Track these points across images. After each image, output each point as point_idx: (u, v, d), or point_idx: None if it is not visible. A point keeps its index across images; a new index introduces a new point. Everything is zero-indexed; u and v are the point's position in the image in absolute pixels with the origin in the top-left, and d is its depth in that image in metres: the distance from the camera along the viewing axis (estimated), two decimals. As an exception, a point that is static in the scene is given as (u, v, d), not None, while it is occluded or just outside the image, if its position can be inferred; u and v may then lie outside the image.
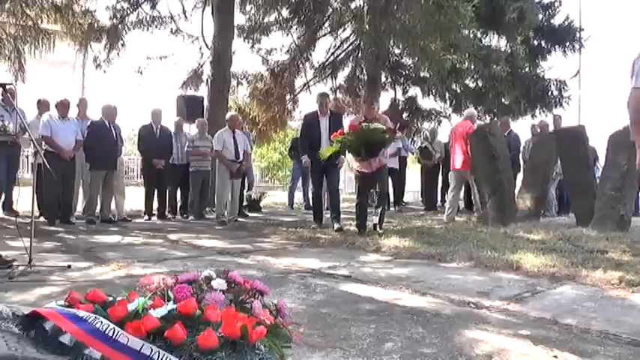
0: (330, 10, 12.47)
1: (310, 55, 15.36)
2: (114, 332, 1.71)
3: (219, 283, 2.15)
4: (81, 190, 8.58)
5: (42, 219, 7.75)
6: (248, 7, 13.56)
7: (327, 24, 14.26)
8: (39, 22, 11.31)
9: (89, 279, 4.09)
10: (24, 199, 5.00)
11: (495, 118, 14.70)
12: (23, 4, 10.79)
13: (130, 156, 18.09)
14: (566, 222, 8.54)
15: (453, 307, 3.38)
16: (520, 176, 10.08)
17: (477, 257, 5.03)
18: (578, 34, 16.33)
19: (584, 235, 6.39)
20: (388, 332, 2.76)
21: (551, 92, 15.80)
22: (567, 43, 16.23)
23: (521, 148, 10.78)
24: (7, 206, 8.24)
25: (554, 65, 21.05)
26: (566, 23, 16.33)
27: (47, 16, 11.25)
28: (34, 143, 4.61)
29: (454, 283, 4.12)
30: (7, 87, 4.89)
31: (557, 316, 3.15)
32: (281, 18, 13.81)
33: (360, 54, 15.44)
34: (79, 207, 8.59)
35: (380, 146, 6.70)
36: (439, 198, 12.43)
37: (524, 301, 3.58)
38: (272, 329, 2.04)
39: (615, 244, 5.80)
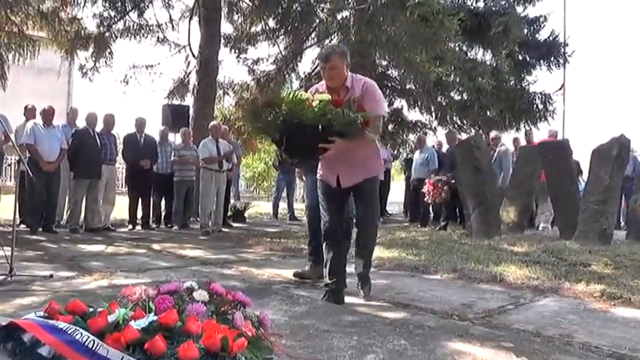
0: (317, 21, 12.55)
1: (297, 65, 15.42)
2: (94, 344, 1.74)
3: (200, 295, 2.21)
4: (66, 197, 8.55)
5: (23, 227, 7.68)
6: (235, 17, 13.63)
7: (313, 35, 14.32)
8: (24, 28, 11.26)
9: (71, 289, 4.05)
10: (6, 206, 4.96)
11: (480, 131, 14.84)
12: (8, 11, 10.73)
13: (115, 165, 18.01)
14: (550, 235, 8.62)
15: (436, 318, 3.39)
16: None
17: (461, 269, 5.07)
18: (562, 49, 16.59)
19: (567, 248, 6.45)
20: (370, 344, 2.76)
21: (536, 106, 16.00)
22: (552, 58, 16.51)
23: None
24: None
25: (539, 79, 21.37)
26: (551, 38, 16.60)
27: (33, 22, 11.22)
28: (17, 151, 4.59)
29: (437, 294, 4.14)
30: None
31: (540, 328, 3.18)
32: (268, 28, 13.88)
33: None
34: (65, 215, 8.55)
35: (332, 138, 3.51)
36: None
37: (507, 313, 3.60)
38: (253, 341, 2.07)
39: (598, 257, 5.86)
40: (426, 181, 9.93)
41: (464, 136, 14.83)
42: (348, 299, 3.87)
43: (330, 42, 15.28)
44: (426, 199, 10.04)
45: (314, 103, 3.46)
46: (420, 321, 3.29)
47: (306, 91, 3.91)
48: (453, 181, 9.40)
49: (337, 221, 3.98)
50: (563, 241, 7.14)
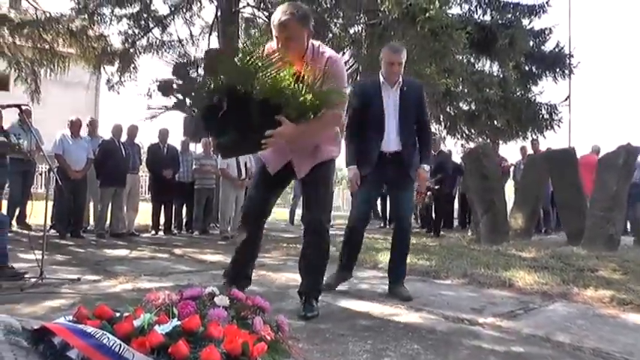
0: (330, 35, 12.73)
1: None
2: (120, 348, 1.76)
3: (221, 300, 2.18)
4: (92, 204, 8.93)
5: (53, 232, 7.94)
6: (252, 32, 13.82)
7: None
8: (55, 45, 11.68)
9: (98, 292, 4.16)
10: (37, 212, 5.12)
11: (488, 140, 14.97)
12: (40, 29, 11.16)
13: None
14: (557, 240, 8.67)
15: (447, 323, 3.41)
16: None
17: (471, 274, 5.11)
18: (568, 61, 16.70)
19: (574, 254, 6.51)
20: (384, 348, 2.79)
21: (542, 116, 16.10)
22: (557, 69, 16.61)
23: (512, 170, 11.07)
24: (21, 220, 8.47)
25: (545, 90, 21.45)
26: (557, 50, 16.71)
27: (63, 40, 11.63)
28: (47, 162, 4.80)
29: (448, 299, 4.16)
30: (23, 108, 5.09)
31: (550, 333, 3.19)
32: (284, 42, 14.07)
33: (358, 77, 15.73)
34: (92, 221, 8.87)
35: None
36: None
37: (517, 318, 3.62)
38: (272, 345, 2.05)
39: (605, 262, 5.88)
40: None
41: (472, 145, 15.03)
42: (362, 304, 3.91)
43: (342, 55, 15.59)
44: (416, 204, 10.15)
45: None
46: (432, 325, 3.31)
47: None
48: (437, 187, 9.58)
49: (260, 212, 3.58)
50: (570, 247, 7.19)
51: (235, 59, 2.82)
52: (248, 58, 2.80)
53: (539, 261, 5.98)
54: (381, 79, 4.21)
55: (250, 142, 2.92)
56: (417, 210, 10.74)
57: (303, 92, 2.84)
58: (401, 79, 4.16)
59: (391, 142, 4.15)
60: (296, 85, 2.84)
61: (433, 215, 10.33)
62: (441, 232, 10.11)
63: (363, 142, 4.22)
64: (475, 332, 3.23)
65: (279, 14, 3.06)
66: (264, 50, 3.02)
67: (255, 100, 2.76)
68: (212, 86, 2.85)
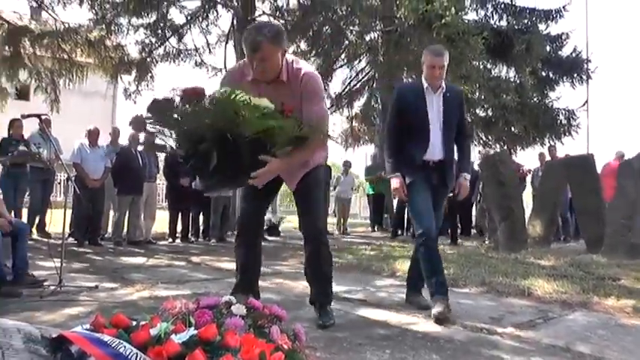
0: (347, 42, 12.81)
1: (327, 85, 15.80)
2: (136, 357, 1.75)
3: (238, 309, 2.15)
4: (111, 212, 9.01)
5: (71, 240, 8.02)
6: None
7: (343, 56, 14.66)
8: (73, 55, 12.00)
9: (115, 299, 4.20)
10: (56, 221, 5.17)
11: (505, 146, 14.89)
12: (59, 40, 11.44)
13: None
14: (576, 248, 8.57)
15: (465, 332, 3.39)
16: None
17: (489, 283, 5.05)
18: (585, 66, 16.59)
19: (594, 262, 6.40)
20: (403, 358, 2.77)
21: (560, 121, 16.00)
22: (575, 74, 16.51)
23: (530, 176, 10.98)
24: (41, 228, 8.64)
25: (563, 95, 21.35)
26: (574, 55, 16.61)
27: (81, 50, 11.95)
28: (66, 170, 4.87)
29: (467, 308, 4.13)
30: (43, 117, 5.17)
31: (570, 343, 3.14)
32: (299, 50, 14.20)
33: (374, 84, 15.88)
34: (109, 229, 8.97)
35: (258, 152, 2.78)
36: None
37: (536, 327, 3.57)
38: (289, 354, 2.04)
39: (627, 271, 5.76)
40: None
41: (490, 151, 14.95)
42: (380, 312, 3.90)
43: (359, 63, 15.68)
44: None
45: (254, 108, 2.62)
46: (451, 335, 3.29)
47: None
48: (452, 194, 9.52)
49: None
50: (590, 255, 7.10)
51: (215, 101, 2.66)
52: (231, 97, 2.63)
53: (559, 269, 5.90)
54: (425, 83, 3.96)
55: (238, 180, 2.89)
56: None
57: (291, 130, 2.77)
58: (444, 85, 3.96)
59: (435, 150, 3.93)
60: (283, 121, 2.75)
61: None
62: (458, 240, 10.05)
63: (406, 150, 3.98)
64: (494, 342, 3.20)
65: (251, 35, 2.94)
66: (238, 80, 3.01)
67: (245, 142, 2.66)
68: (197, 134, 2.66)
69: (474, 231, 12.47)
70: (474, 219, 12.95)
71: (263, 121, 2.63)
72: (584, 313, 4.06)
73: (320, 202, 3.46)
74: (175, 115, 2.60)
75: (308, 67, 3.15)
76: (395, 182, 4.01)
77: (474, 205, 12.15)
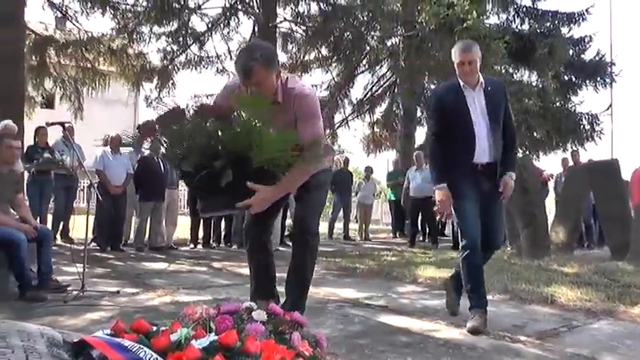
0: (368, 48, 12.88)
1: (349, 91, 16.01)
2: None
3: (259, 315, 2.18)
4: (133, 218, 9.10)
5: (93, 245, 8.13)
6: (289, 47, 14.08)
7: (364, 61, 14.78)
8: (96, 64, 12.27)
9: (136, 305, 4.25)
10: (79, 226, 5.24)
11: (527, 152, 14.76)
12: (83, 49, 11.71)
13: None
14: (601, 255, 8.44)
15: (488, 340, 3.35)
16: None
17: (512, 290, 5.00)
18: (609, 69, 16.38)
19: (619, 269, 6.29)
20: None
21: (583, 126, 15.82)
22: (598, 78, 16.31)
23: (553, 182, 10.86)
24: (64, 234, 8.80)
25: (586, 99, 21.11)
26: (597, 58, 16.42)
27: (104, 58, 12.22)
28: (88, 177, 4.95)
29: (489, 315, 4.03)
30: (67, 125, 5.26)
31: (596, 353, 3.08)
32: (321, 56, 14.34)
33: (396, 89, 15.92)
34: (131, 235, 9.05)
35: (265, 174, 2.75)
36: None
37: (560, 336, 3.51)
38: None
39: (654, 279, 5.65)
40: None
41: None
42: (401, 319, 3.88)
43: (380, 68, 15.68)
44: (440, 218, 9.98)
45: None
46: (473, 342, 3.27)
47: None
48: None
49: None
50: (614, 262, 6.98)
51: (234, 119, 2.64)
52: (256, 124, 2.58)
53: (582, 276, 5.81)
54: (460, 82, 3.72)
55: (234, 203, 2.75)
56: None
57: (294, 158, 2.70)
58: (482, 79, 3.71)
59: (483, 151, 3.66)
60: (292, 158, 2.69)
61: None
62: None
63: (452, 155, 3.71)
64: (517, 350, 3.17)
65: (242, 60, 2.82)
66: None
67: (252, 168, 2.61)
68: (212, 150, 2.61)
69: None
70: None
71: (277, 153, 2.62)
72: (609, 322, 3.99)
73: (316, 203, 3.31)
74: (188, 128, 2.57)
75: (302, 86, 3.02)
76: (439, 194, 3.76)
77: None
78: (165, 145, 2.79)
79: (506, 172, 3.73)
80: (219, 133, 2.60)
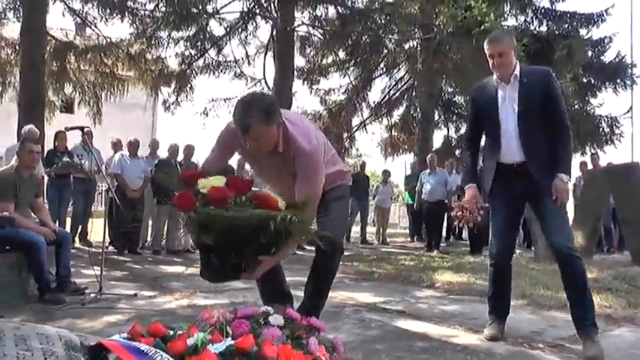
0: (385, 51, 12.87)
1: (366, 94, 16.04)
2: None
3: (276, 319, 2.19)
4: (150, 222, 9.13)
5: (111, 248, 8.21)
6: (307, 51, 14.14)
7: (382, 65, 14.78)
8: (115, 69, 12.40)
9: (154, 308, 4.30)
10: (97, 230, 5.29)
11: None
12: (102, 54, 11.87)
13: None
14: (621, 260, 8.34)
15: (506, 346, 3.34)
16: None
17: (530, 295, 4.98)
18: (629, 71, 16.16)
19: (640, 275, 6.24)
20: None
21: (602, 129, 15.63)
22: (618, 80, 16.09)
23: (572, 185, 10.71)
24: (83, 237, 8.89)
25: (605, 102, 20.84)
26: (617, 60, 16.20)
27: (122, 64, 12.34)
28: (106, 180, 5.00)
29: (507, 321, 4.04)
30: (85, 129, 5.32)
31: None
32: (338, 60, 14.38)
33: (414, 93, 15.97)
34: (149, 238, 9.13)
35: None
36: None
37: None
38: None
39: (676, 285, 5.53)
40: (455, 204, 9.68)
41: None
42: (419, 324, 3.88)
43: (398, 71, 15.63)
44: (457, 224, 9.89)
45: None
46: (491, 348, 3.26)
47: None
48: (487, 205, 9.34)
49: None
50: (635, 268, 6.88)
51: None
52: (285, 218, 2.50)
53: (602, 282, 5.72)
54: (495, 77, 3.49)
55: (240, 274, 2.71)
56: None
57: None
58: (518, 71, 3.40)
59: (511, 150, 3.39)
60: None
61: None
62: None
63: (484, 158, 3.62)
64: (535, 356, 3.17)
65: (239, 117, 2.71)
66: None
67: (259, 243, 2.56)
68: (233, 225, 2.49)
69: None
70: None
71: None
72: (630, 329, 3.94)
73: (343, 219, 3.29)
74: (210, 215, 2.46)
75: (304, 140, 2.83)
76: (467, 194, 3.68)
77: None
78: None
79: (557, 173, 3.29)
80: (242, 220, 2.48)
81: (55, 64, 11.60)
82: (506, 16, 13.26)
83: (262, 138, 2.73)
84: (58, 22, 15.10)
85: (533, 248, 8.99)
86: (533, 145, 3.35)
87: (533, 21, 16.44)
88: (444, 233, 11.77)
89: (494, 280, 3.65)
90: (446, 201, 10.12)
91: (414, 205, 11.48)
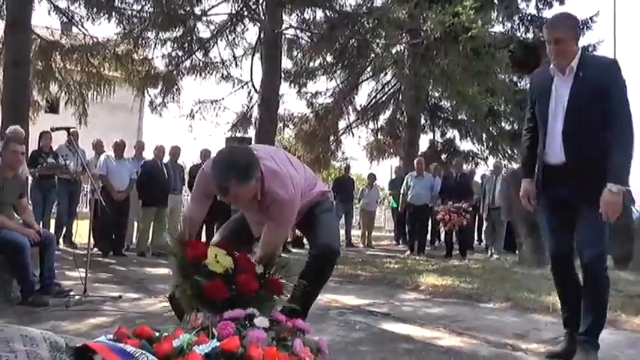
0: (373, 55, 12.90)
1: (353, 98, 16.13)
2: None
3: (261, 321, 2.21)
4: (135, 223, 9.08)
5: (96, 250, 8.09)
6: (295, 53, 14.15)
7: (369, 69, 14.82)
8: (101, 69, 12.26)
9: (138, 310, 4.28)
10: (82, 231, 5.25)
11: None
12: (88, 54, 11.72)
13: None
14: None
15: (490, 348, 3.37)
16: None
17: (514, 298, 5.01)
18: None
19: (622, 279, 6.24)
20: None
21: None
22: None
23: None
24: (67, 239, 8.82)
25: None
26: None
27: (109, 64, 12.19)
28: (91, 181, 4.96)
29: (491, 323, 4.12)
30: (71, 130, 5.28)
31: None
32: (326, 63, 14.38)
33: (400, 97, 16.06)
34: (134, 240, 9.10)
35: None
36: (475, 237, 12.52)
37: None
38: None
39: (657, 288, 5.57)
40: (441, 207, 9.76)
41: (515, 165, 14.81)
42: (403, 326, 3.90)
43: (385, 75, 15.68)
44: (442, 227, 10.03)
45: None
46: (474, 350, 3.28)
47: None
48: (471, 209, 9.46)
49: None
50: (617, 272, 6.95)
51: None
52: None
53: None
54: (552, 65, 3.09)
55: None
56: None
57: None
58: (576, 61, 2.99)
59: (554, 150, 3.07)
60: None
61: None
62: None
63: (530, 152, 3.30)
64: (518, 358, 3.19)
65: (217, 179, 2.72)
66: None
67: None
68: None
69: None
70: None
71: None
72: (611, 332, 3.92)
73: (335, 226, 3.35)
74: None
75: (282, 190, 2.85)
76: (521, 189, 3.38)
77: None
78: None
79: (607, 182, 2.85)
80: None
81: (40, 64, 11.45)
82: (493, 22, 13.37)
83: (241, 197, 2.75)
84: (44, 21, 14.96)
85: (517, 252, 9.04)
86: (578, 146, 2.99)
87: (520, 28, 16.66)
88: (428, 237, 11.80)
89: (558, 285, 3.32)
90: (430, 205, 10.17)
91: (399, 207, 11.52)
